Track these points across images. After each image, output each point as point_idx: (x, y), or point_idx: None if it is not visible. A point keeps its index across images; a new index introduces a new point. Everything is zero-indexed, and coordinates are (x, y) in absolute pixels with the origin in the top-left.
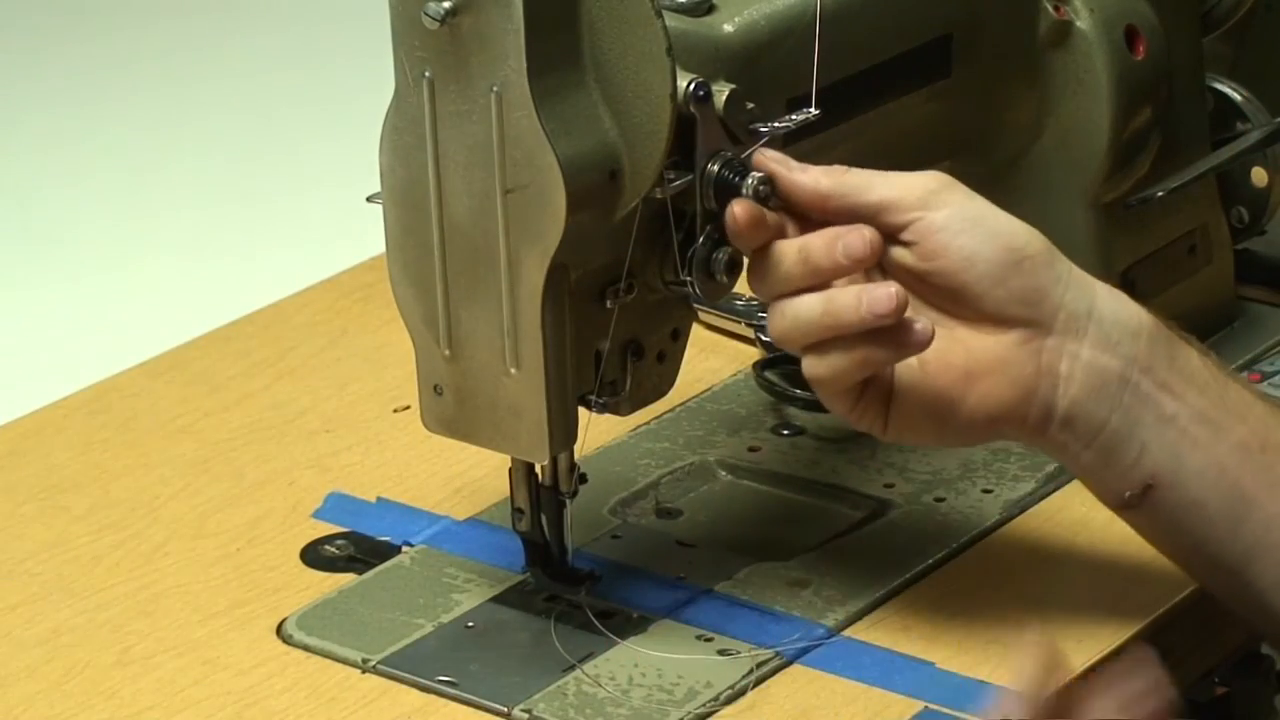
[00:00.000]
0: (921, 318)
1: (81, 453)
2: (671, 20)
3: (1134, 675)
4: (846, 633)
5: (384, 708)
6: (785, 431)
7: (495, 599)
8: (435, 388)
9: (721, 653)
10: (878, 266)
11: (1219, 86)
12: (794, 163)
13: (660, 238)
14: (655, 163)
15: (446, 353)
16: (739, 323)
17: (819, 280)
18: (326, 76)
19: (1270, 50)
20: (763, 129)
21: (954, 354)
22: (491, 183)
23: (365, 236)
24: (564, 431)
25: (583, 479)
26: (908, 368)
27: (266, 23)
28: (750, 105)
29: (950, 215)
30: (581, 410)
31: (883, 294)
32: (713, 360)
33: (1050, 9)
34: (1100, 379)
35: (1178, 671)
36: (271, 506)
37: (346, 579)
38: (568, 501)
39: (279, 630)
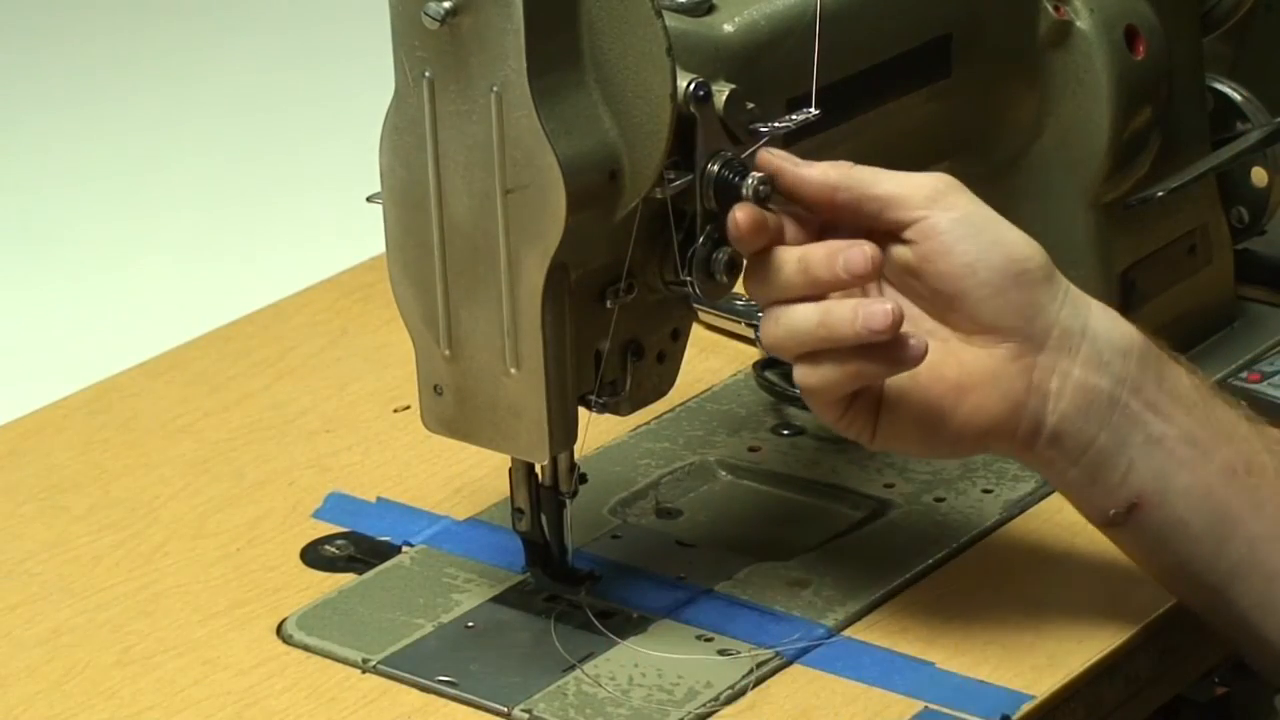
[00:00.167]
0: (916, 334)
1: (81, 453)
2: (671, 20)
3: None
4: (846, 633)
5: (384, 708)
6: (785, 431)
7: (495, 599)
8: (435, 388)
9: (721, 653)
10: None
11: (1219, 86)
12: (798, 159)
13: (660, 238)
14: (655, 163)
15: (446, 353)
16: (739, 323)
17: (817, 291)
18: (326, 76)
19: (1270, 50)
20: (763, 129)
21: (946, 366)
22: (491, 183)
23: (365, 236)
24: (564, 431)
25: (583, 479)
26: (898, 377)
27: (266, 23)
28: (750, 105)
29: (955, 219)
30: (581, 410)
31: (879, 310)
32: (713, 360)
33: (1050, 9)
34: (1090, 397)
35: (1178, 671)
36: (271, 506)
37: (346, 579)
38: (568, 501)
39: (279, 630)
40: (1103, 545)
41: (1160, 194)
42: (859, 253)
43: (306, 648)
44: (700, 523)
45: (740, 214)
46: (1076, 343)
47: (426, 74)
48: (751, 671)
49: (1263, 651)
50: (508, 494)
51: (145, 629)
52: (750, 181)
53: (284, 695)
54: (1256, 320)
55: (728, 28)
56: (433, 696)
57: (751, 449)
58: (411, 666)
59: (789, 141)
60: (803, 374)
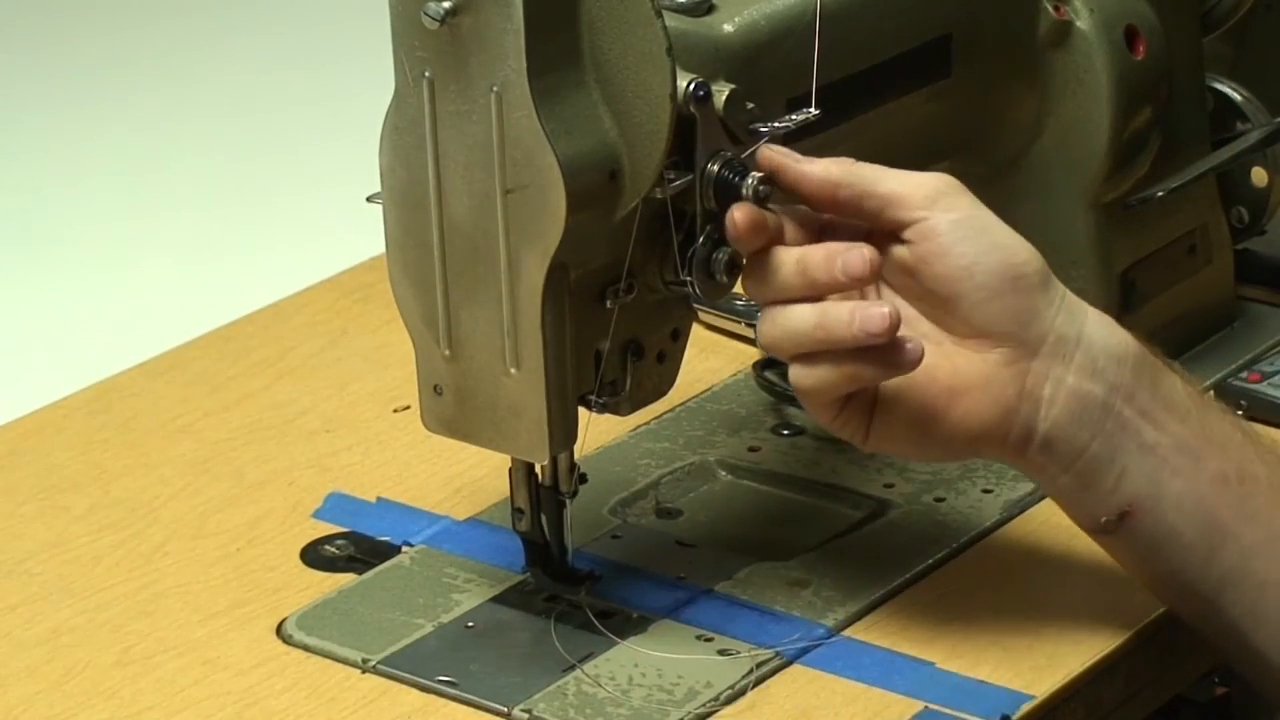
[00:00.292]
0: (912, 337)
1: (81, 453)
2: (671, 20)
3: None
4: (846, 633)
5: (384, 708)
6: (785, 431)
7: (495, 599)
8: (435, 388)
9: (721, 653)
10: None
11: (1219, 86)
12: (799, 155)
13: (660, 238)
14: (655, 163)
15: (446, 353)
16: (739, 323)
17: (815, 293)
18: (326, 76)
19: (1270, 50)
20: (763, 129)
21: (939, 369)
22: (491, 183)
23: (365, 236)
24: (564, 431)
25: (583, 479)
26: (892, 379)
27: (266, 23)
28: (750, 105)
29: (955, 221)
30: (581, 410)
31: (877, 313)
32: (713, 360)
33: (1050, 9)
34: (1082, 405)
35: (1177, 671)
36: (271, 506)
37: (346, 579)
38: (568, 501)
39: (279, 630)
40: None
41: (1160, 194)
42: (857, 256)
43: (306, 648)
44: (700, 523)
45: (738, 214)
46: (1071, 349)
47: (426, 74)
48: (751, 671)
49: (1253, 662)
50: (508, 494)
51: (145, 629)
52: (750, 181)
53: (284, 695)
54: (1256, 320)
55: (728, 28)
56: (433, 696)
57: (751, 449)
58: (411, 666)
59: (789, 141)
60: (798, 374)
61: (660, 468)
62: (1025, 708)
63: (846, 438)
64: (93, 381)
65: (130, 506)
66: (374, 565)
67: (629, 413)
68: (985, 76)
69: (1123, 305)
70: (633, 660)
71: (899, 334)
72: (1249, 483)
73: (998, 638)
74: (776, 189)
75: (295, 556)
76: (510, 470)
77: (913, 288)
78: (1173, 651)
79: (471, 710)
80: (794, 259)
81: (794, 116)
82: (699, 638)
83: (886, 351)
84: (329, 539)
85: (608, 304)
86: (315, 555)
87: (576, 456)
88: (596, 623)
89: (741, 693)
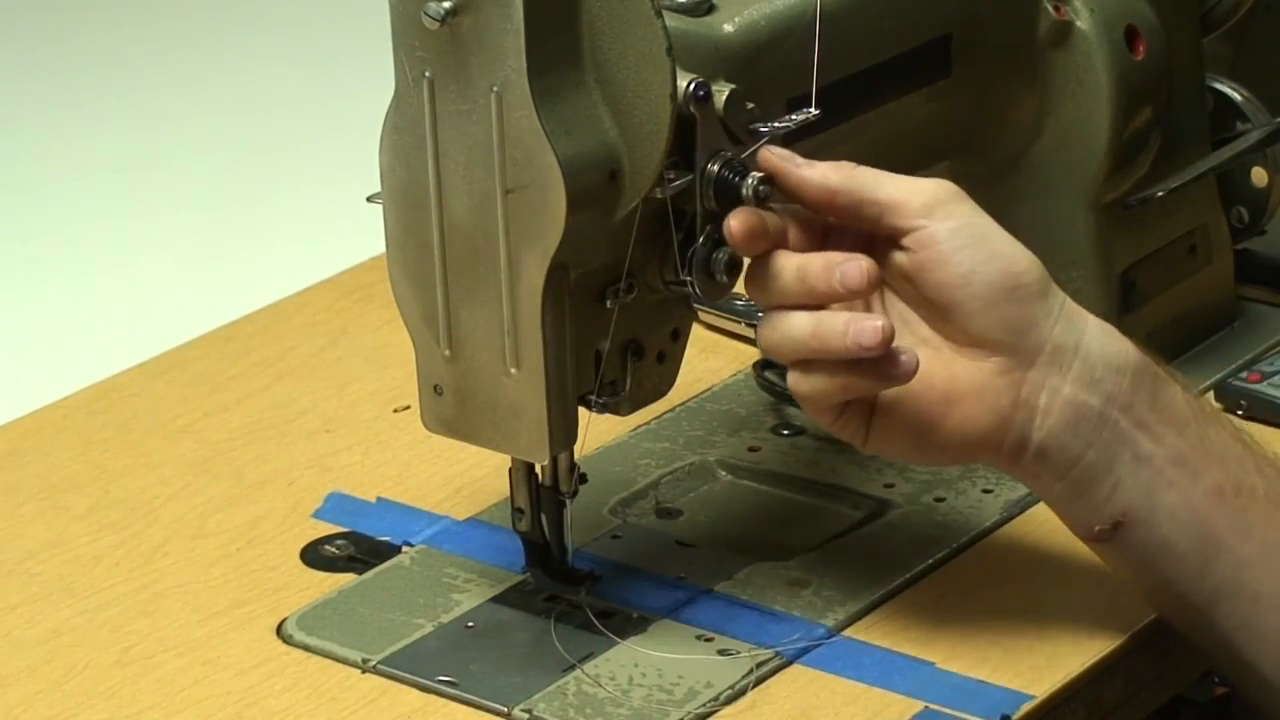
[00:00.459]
0: (907, 349)
1: (81, 453)
2: (671, 20)
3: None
4: (846, 633)
5: (384, 708)
6: (785, 431)
7: (495, 599)
8: (435, 388)
9: (721, 653)
10: None
11: (1219, 86)
12: (800, 159)
13: (660, 238)
14: (655, 163)
15: (446, 353)
16: (739, 323)
17: (813, 300)
18: (326, 76)
19: (1270, 50)
20: (763, 129)
21: (936, 376)
22: (491, 183)
23: (365, 236)
24: (564, 431)
25: (583, 479)
26: None
27: (266, 23)
28: (750, 105)
29: (953, 229)
30: (581, 410)
31: (870, 327)
32: (713, 360)
33: (1050, 9)
34: (1078, 414)
35: (1177, 671)
36: (271, 506)
37: (346, 579)
38: (568, 501)
39: (279, 630)
40: None
41: (1160, 194)
42: (856, 268)
43: (306, 648)
44: (700, 523)
45: (734, 222)
46: (1069, 359)
47: (426, 74)
48: (751, 671)
49: (1246, 674)
50: (508, 494)
51: (145, 629)
52: (750, 181)
53: (284, 695)
54: (1256, 320)
55: (728, 28)
56: (433, 696)
57: (751, 449)
58: (411, 666)
59: (789, 141)
60: (796, 380)
61: (660, 468)
62: (1025, 708)
63: (847, 439)
64: (93, 381)
65: (130, 506)
66: (374, 565)
67: (629, 413)
68: (985, 76)
69: (1123, 305)
70: (633, 660)
71: (894, 345)
72: (1246, 496)
73: (998, 638)
74: (777, 190)
75: (295, 556)
76: (510, 470)
77: (913, 294)
78: (1172, 652)
79: (471, 710)
80: (794, 265)
81: (794, 116)
82: (699, 638)
83: (879, 364)
84: (329, 539)
85: (608, 304)
86: (315, 555)
87: (576, 456)
88: (596, 623)
89: (741, 693)
